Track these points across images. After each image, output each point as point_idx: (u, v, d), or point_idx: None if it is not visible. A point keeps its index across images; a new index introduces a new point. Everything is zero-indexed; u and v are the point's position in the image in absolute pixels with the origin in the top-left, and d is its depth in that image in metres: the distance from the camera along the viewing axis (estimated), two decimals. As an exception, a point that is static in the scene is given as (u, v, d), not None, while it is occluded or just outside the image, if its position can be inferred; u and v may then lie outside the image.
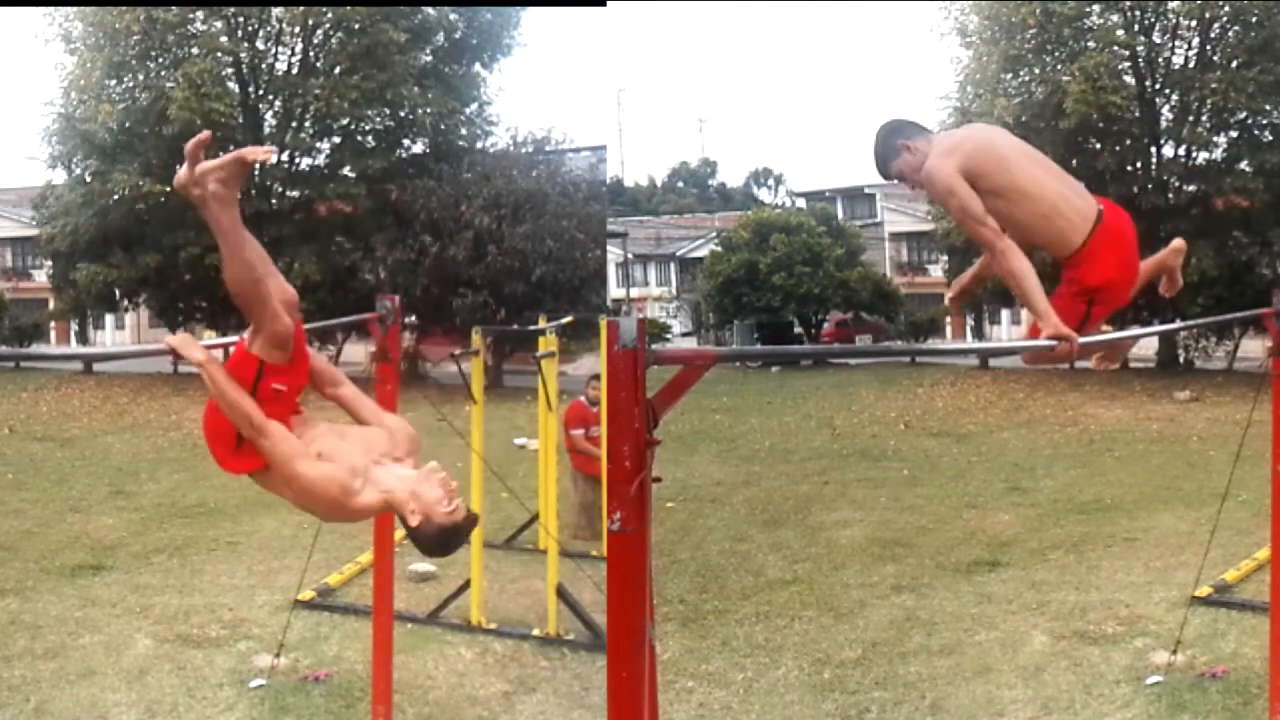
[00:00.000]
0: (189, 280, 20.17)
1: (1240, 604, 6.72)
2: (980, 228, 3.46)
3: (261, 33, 21.40)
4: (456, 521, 2.98)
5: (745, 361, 25.41)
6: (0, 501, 10.61)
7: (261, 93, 21.45)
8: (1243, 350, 21.45)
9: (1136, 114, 20.07)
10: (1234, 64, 19.79)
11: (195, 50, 20.46)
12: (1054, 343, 3.51)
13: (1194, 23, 20.17)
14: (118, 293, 22.66)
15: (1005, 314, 27.80)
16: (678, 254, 45.27)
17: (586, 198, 22.15)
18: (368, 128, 22.08)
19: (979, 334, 28.17)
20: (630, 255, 41.58)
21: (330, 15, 20.62)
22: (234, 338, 3.13)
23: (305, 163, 21.73)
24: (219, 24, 20.93)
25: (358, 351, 21.44)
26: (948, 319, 28.26)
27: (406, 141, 22.67)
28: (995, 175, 3.50)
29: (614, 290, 37.81)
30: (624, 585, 2.56)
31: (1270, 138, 20.03)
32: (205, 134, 2.91)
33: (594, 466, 8.81)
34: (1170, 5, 20.20)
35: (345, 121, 21.49)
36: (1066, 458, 13.02)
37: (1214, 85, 19.34)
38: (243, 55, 20.94)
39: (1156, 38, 20.65)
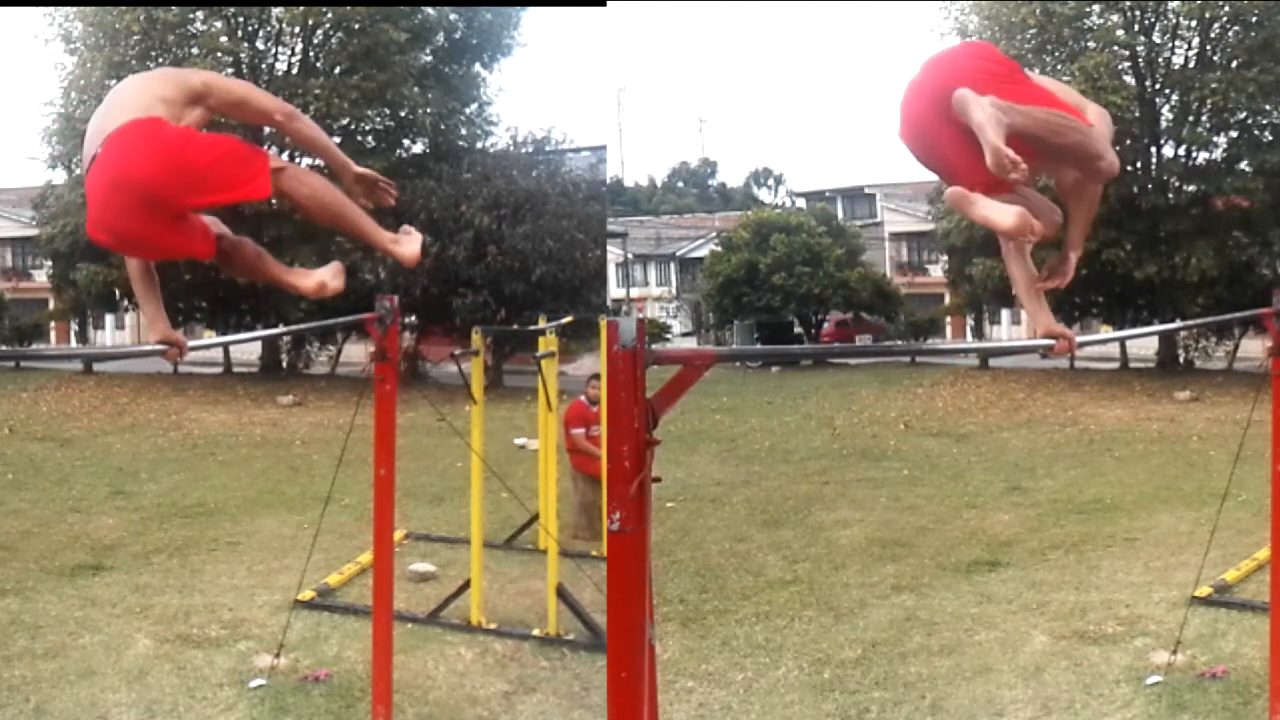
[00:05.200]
0: (189, 280, 20.12)
1: (1240, 604, 6.72)
2: None
3: (261, 33, 21.38)
4: None
5: (745, 361, 25.41)
6: (0, 501, 10.61)
7: (261, 93, 21.46)
8: (1243, 350, 21.44)
9: (1136, 114, 20.06)
10: (1234, 64, 19.79)
11: (195, 50, 20.42)
12: (1052, 341, 3.53)
13: (1194, 23, 20.17)
14: (118, 293, 22.56)
15: (1005, 314, 27.81)
16: (678, 254, 45.25)
17: (586, 198, 22.15)
18: (368, 128, 22.04)
19: (979, 334, 28.16)
20: (630, 255, 41.55)
21: (330, 15, 20.58)
22: (233, 337, 3.17)
23: (305, 163, 21.65)
24: (219, 24, 20.91)
25: (358, 351, 21.46)
26: (948, 319, 28.26)
27: (406, 141, 22.64)
28: None
29: (614, 290, 37.80)
30: (624, 585, 2.56)
31: (1270, 138, 20.02)
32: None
33: (594, 466, 8.81)
34: (1170, 5, 20.19)
35: (345, 121, 21.45)
36: (1066, 458, 13.01)
37: (1214, 85, 19.34)
38: (243, 55, 20.93)
39: (1156, 38, 20.65)
